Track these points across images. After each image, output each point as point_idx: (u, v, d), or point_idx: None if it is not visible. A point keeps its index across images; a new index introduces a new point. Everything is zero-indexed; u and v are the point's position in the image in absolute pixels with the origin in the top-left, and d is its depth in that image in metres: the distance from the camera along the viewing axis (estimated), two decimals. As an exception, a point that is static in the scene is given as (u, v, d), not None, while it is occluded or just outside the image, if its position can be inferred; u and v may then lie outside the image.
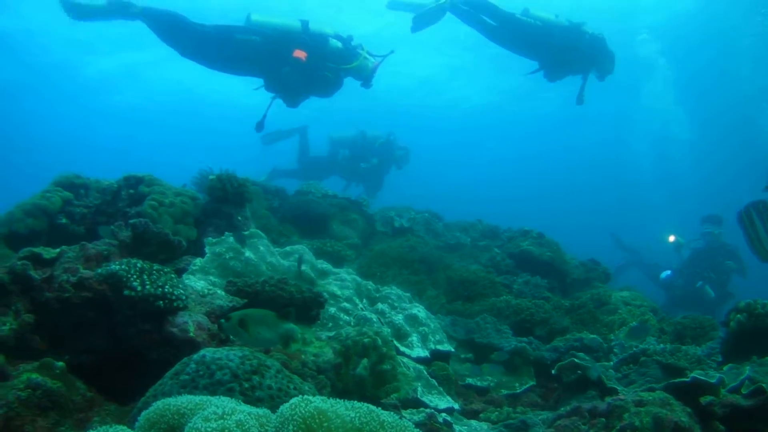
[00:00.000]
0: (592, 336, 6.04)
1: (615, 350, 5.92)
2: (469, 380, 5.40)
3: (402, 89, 28.07)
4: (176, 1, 10.12)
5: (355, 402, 2.34)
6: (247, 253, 5.33)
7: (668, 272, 13.86)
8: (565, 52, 10.96)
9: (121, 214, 6.01)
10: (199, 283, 4.88)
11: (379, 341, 4.14)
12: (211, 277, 5.07)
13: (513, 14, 10.81)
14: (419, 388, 4.49)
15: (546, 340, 6.15)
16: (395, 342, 5.12)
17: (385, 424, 2.26)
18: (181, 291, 4.11)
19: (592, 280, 8.97)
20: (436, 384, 4.78)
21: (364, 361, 4.02)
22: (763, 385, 4.17)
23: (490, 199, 37.79)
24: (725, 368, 5.01)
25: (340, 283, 5.47)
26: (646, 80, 26.96)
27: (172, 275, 4.26)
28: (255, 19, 9.34)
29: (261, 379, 2.98)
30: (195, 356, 3.03)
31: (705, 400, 4.16)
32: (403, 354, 5.05)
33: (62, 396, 3.25)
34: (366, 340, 4.10)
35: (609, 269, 9.56)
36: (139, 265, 4.11)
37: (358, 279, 5.73)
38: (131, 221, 4.83)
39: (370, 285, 5.84)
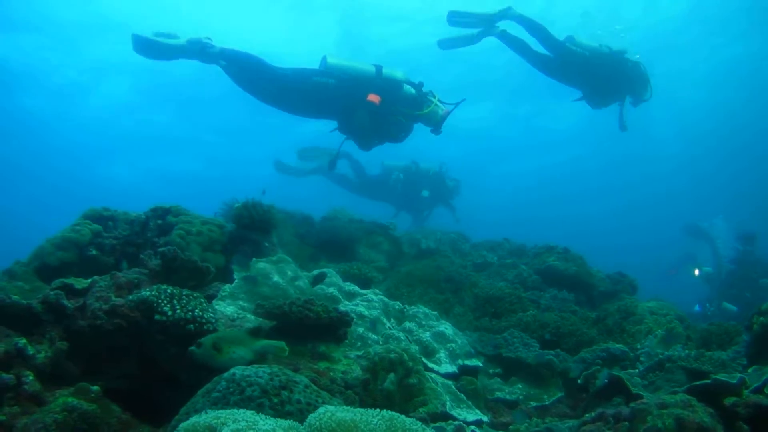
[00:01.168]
0: (618, 346, 6.09)
1: (641, 358, 5.97)
2: (498, 394, 5.48)
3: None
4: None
5: (382, 410, 2.45)
6: (275, 278, 5.46)
7: (696, 307, 13.76)
8: (611, 81, 11.14)
9: (149, 244, 6.15)
10: (229, 308, 5.02)
11: (406, 356, 4.23)
12: (240, 302, 5.19)
13: (564, 43, 11.07)
14: (448, 402, 4.57)
15: (573, 352, 6.21)
16: (423, 359, 5.21)
17: (408, 430, 2.35)
18: (211, 314, 4.26)
19: (619, 292, 9.00)
20: (464, 398, 4.86)
21: (391, 375, 4.11)
22: None
23: (515, 219, 37.59)
24: (750, 370, 5.05)
25: (367, 304, 5.56)
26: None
27: (202, 300, 4.41)
28: (331, 62, 9.52)
29: (290, 394, 3.07)
30: (225, 374, 3.13)
31: (729, 401, 4.20)
32: (431, 370, 5.13)
33: (97, 418, 3.38)
34: (392, 355, 4.18)
35: (635, 281, 9.59)
36: (169, 290, 4.27)
37: (386, 299, 5.82)
38: (160, 249, 4.97)
39: (397, 305, 5.94)
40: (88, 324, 4.22)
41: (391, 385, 4.10)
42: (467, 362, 5.48)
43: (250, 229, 6.29)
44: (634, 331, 6.96)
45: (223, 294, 5.23)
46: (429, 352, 5.36)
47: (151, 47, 9.26)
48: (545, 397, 5.48)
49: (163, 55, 9.39)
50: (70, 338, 4.18)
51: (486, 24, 11.00)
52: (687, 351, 5.90)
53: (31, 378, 3.69)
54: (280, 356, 4.04)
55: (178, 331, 4.08)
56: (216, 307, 4.94)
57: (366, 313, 5.40)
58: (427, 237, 10.01)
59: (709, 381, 4.29)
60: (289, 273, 5.59)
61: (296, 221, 9.23)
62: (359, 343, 5.05)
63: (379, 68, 9.58)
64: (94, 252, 6.15)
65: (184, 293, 4.34)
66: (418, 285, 7.41)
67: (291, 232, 8.74)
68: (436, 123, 9.83)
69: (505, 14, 11.04)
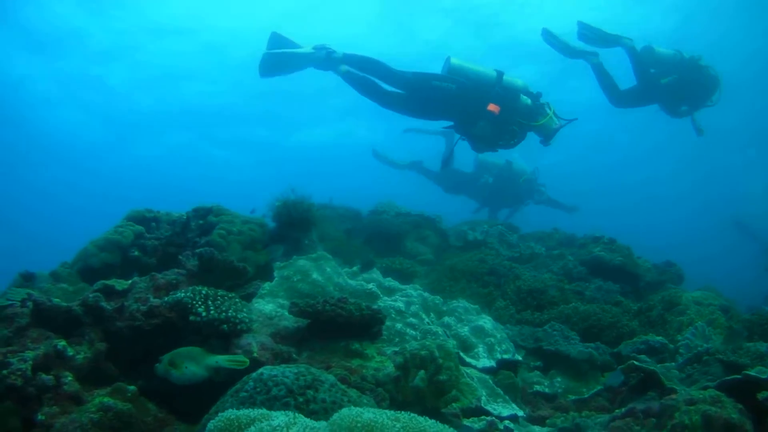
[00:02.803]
0: (657, 338, 6.09)
1: (681, 350, 5.95)
2: (537, 387, 5.52)
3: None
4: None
5: (399, 412, 2.52)
6: (315, 275, 5.54)
7: None
8: (689, 89, 11.19)
9: (191, 244, 6.28)
10: (268, 306, 5.10)
11: (437, 353, 4.28)
12: (279, 300, 5.27)
13: (651, 73, 11.20)
14: (483, 397, 4.64)
15: (614, 345, 6.22)
16: (461, 353, 5.28)
17: (427, 429, 2.43)
18: (245, 314, 4.37)
19: (666, 282, 8.96)
20: (501, 392, 4.91)
21: (421, 372, 4.17)
22: None
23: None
24: (788, 362, 5.04)
25: (406, 299, 5.61)
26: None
27: (237, 300, 4.52)
28: (454, 62, 9.60)
29: (315, 393, 3.14)
30: (253, 374, 3.23)
31: (763, 395, 4.20)
32: (468, 365, 5.20)
33: (132, 417, 3.49)
34: (423, 352, 4.25)
35: (682, 270, 9.53)
36: (204, 291, 4.39)
37: (425, 294, 5.88)
38: (197, 251, 5.08)
39: (437, 299, 6.00)
40: (126, 325, 4.35)
41: (421, 382, 4.17)
42: (506, 356, 5.52)
43: (290, 227, 6.38)
44: (676, 322, 6.94)
45: (263, 292, 5.33)
46: (467, 347, 5.42)
47: (279, 61, 9.63)
48: (584, 390, 5.50)
49: (288, 68, 9.73)
50: (109, 339, 4.31)
51: (600, 42, 11.27)
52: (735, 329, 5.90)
53: (70, 378, 3.81)
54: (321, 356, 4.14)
55: (213, 331, 4.20)
56: (255, 305, 5.06)
57: (404, 308, 5.45)
58: (474, 229, 10.03)
59: (739, 376, 4.30)
60: (328, 269, 5.67)
61: (344, 216, 9.33)
62: (397, 339, 5.12)
63: (500, 74, 9.62)
64: (136, 253, 6.29)
65: (219, 294, 4.45)
66: (461, 278, 7.45)
67: (338, 227, 8.86)
68: (547, 135, 9.84)
69: (618, 42, 11.27)
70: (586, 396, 5.42)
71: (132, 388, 3.73)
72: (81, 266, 6.18)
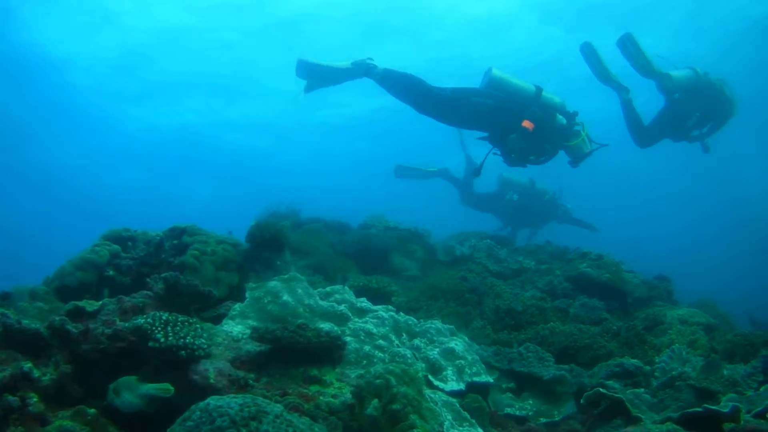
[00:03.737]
0: (632, 361, 6.05)
1: (656, 374, 5.91)
2: (508, 410, 5.49)
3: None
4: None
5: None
6: (285, 297, 5.54)
7: None
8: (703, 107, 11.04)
9: (165, 265, 6.30)
10: (237, 327, 5.15)
11: (393, 380, 4.27)
12: (249, 321, 5.30)
13: (675, 99, 11.08)
14: (447, 422, 4.62)
15: (590, 366, 6.19)
16: (430, 376, 5.27)
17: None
18: (203, 341, 4.39)
19: (654, 298, 8.93)
20: (468, 416, 4.87)
21: (375, 401, 4.15)
22: None
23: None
24: (762, 389, 5.00)
25: (377, 321, 5.62)
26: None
27: (197, 325, 4.55)
28: (496, 74, 9.72)
29: (258, 424, 3.15)
30: (201, 404, 3.24)
31: (728, 426, 4.19)
32: (436, 388, 5.18)
33: (89, 440, 3.56)
34: (378, 381, 4.22)
35: (671, 286, 9.50)
36: (164, 317, 4.41)
37: (397, 316, 5.87)
38: (162, 275, 5.10)
39: (411, 320, 5.99)
40: (91, 348, 4.42)
41: (375, 411, 4.15)
42: (476, 379, 5.48)
43: (263, 248, 6.40)
44: (656, 343, 6.89)
45: (234, 313, 5.36)
46: (436, 370, 5.39)
47: (315, 72, 9.71)
48: (555, 413, 5.48)
49: (324, 81, 9.79)
50: (75, 361, 4.39)
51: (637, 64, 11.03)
52: (711, 362, 5.85)
53: (35, 400, 3.90)
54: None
55: (171, 357, 4.23)
56: (224, 326, 5.12)
57: (374, 330, 5.44)
58: (462, 243, 10.03)
59: (700, 409, 4.28)
60: (300, 291, 5.67)
61: (333, 230, 9.34)
62: (365, 362, 5.10)
63: (539, 89, 9.72)
64: (111, 272, 6.33)
65: (179, 320, 4.47)
66: (441, 297, 7.42)
67: (325, 241, 8.86)
68: (577, 156, 10.00)
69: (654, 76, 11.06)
70: (557, 419, 5.40)
71: (92, 411, 3.87)
72: (58, 285, 6.23)
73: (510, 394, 5.74)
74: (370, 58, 9.71)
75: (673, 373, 5.69)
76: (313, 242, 8.58)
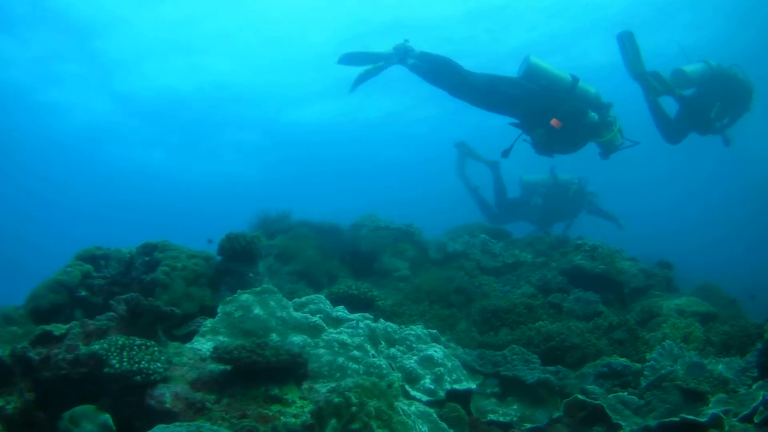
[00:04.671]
0: (620, 360, 5.85)
1: (645, 372, 5.69)
2: (491, 416, 5.30)
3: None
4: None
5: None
6: (256, 310, 5.40)
7: None
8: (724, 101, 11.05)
9: (137, 282, 6.19)
10: (207, 344, 5.02)
11: (353, 398, 4.12)
12: (220, 337, 5.17)
13: (689, 98, 11.13)
14: (421, 436, 4.47)
15: (578, 366, 6.00)
16: (407, 386, 5.12)
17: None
18: (159, 365, 4.27)
19: (651, 288, 8.70)
20: (446, 427, 4.73)
21: (333, 421, 4.00)
22: None
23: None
24: (754, 387, 4.79)
25: (351, 331, 5.47)
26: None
27: (155, 349, 4.42)
28: (533, 61, 9.87)
29: (203, 453, 3.05)
30: (149, 432, 3.07)
31: (712, 432, 4.03)
32: (413, 398, 5.03)
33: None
34: (336, 400, 4.06)
35: (671, 274, 9.29)
36: (120, 342, 4.31)
37: (373, 324, 5.73)
38: (123, 296, 4.97)
39: (391, 327, 5.86)
40: (52, 375, 4.30)
41: (332, 431, 4.01)
42: (456, 386, 5.32)
43: (235, 261, 6.26)
44: (648, 338, 6.66)
45: (204, 329, 5.24)
46: (413, 379, 5.24)
47: (354, 57, 10.37)
48: (541, 417, 5.30)
49: (364, 75, 10.25)
50: (38, 388, 4.30)
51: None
52: (694, 362, 5.62)
53: (0, 429, 3.94)
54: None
55: (128, 383, 4.13)
56: (195, 344, 5.00)
57: (349, 341, 5.30)
58: (455, 239, 9.84)
59: (677, 419, 4.13)
60: (272, 303, 5.52)
61: (322, 232, 9.17)
62: (338, 374, 4.99)
63: (575, 80, 9.84)
64: (83, 293, 6.22)
65: (136, 344, 4.37)
66: (425, 300, 7.22)
67: (313, 245, 8.70)
68: (607, 150, 10.19)
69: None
70: (543, 424, 5.22)
71: (51, 439, 3.77)
72: (32, 307, 6.17)
73: (494, 400, 5.56)
74: (407, 40, 10.11)
75: (662, 371, 5.49)
76: (300, 247, 8.42)
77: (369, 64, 10.26)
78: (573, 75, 9.86)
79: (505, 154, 10.37)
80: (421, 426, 4.59)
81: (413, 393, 5.10)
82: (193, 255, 6.28)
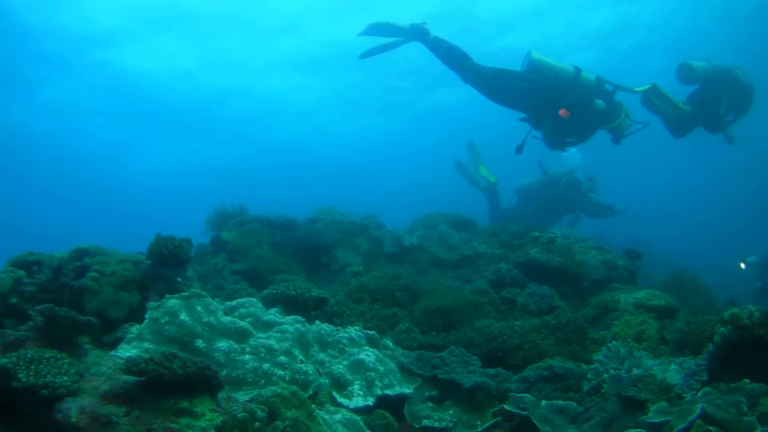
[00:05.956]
0: (561, 363, 5.65)
1: (588, 375, 5.48)
2: (426, 422, 5.11)
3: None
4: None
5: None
6: (182, 316, 5.22)
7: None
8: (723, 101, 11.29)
9: (66, 288, 6.03)
10: (131, 351, 4.85)
11: (259, 413, 3.97)
12: (145, 344, 5.01)
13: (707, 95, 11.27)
14: (345, 445, 4.33)
15: (521, 368, 5.79)
16: (334, 393, 4.97)
17: None
18: (66, 378, 4.13)
19: (613, 279, 8.51)
20: (372, 435, 4.59)
21: (237, 437, 3.86)
22: (712, 428, 3.82)
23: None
24: (700, 394, 4.62)
25: (279, 335, 5.32)
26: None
27: (65, 361, 4.29)
28: (535, 57, 10.11)
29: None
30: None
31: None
32: (340, 405, 4.87)
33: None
34: (240, 415, 3.93)
35: (637, 264, 9.15)
36: (29, 355, 4.20)
37: (303, 328, 5.54)
38: (37, 307, 4.86)
39: (325, 329, 5.69)
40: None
41: (235, 450, 3.86)
42: (388, 392, 5.16)
43: (163, 265, 6.10)
44: (599, 337, 6.45)
45: (130, 336, 5.08)
46: (341, 385, 5.08)
47: (381, 27, 10.59)
48: (479, 423, 5.10)
49: (382, 47, 10.69)
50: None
51: None
52: (651, 363, 5.40)
53: None
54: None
55: (35, 397, 4.03)
56: (119, 351, 4.85)
57: (276, 346, 5.16)
58: (411, 232, 9.67)
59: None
60: (199, 308, 5.35)
61: (277, 227, 8.97)
62: (263, 381, 4.85)
63: (578, 70, 10.06)
64: (14, 300, 6.06)
65: (45, 356, 4.25)
66: (368, 298, 6.99)
67: (267, 240, 8.51)
68: (617, 136, 10.39)
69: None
70: (479, 429, 5.04)
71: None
72: (-35, 318, 6.02)
73: (431, 404, 5.38)
74: (424, 23, 10.34)
75: (604, 376, 5.30)
76: (252, 243, 8.23)
77: (390, 37, 10.60)
78: (575, 66, 10.09)
79: (519, 150, 10.41)
80: (343, 436, 4.46)
81: (340, 400, 4.95)
82: (123, 259, 6.13)
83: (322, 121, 37.26)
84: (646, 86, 10.82)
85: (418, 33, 10.34)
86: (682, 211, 44.20)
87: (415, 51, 11.33)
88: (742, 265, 14.43)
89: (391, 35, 10.57)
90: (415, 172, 44.58)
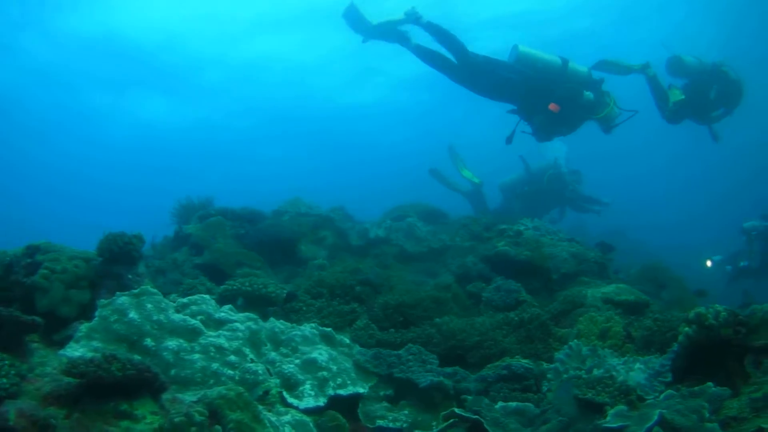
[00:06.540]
0: (522, 362, 5.53)
1: (549, 375, 5.38)
2: (380, 422, 4.99)
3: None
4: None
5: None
6: (131, 314, 5.10)
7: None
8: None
9: (18, 286, 5.90)
10: (78, 351, 4.74)
11: (197, 417, 3.86)
12: (94, 343, 4.89)
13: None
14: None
15: (480, 367, 5.67)
16: (285, 393, 4.86)
17: None
18: (5, 380, 4.09)
19: (583, 273, 8.39)
20: (322, 437, 4.48)
21: (170, 444, 3.76)
22: None
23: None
24: (662, 397, 4.51)
25: (230, 334, 5.21)
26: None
27: (4, 363, 4.22)
28: (522, 50, 10.21)
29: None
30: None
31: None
32: (290, 406, 4.76)
33: None
34: (177, 419, 3.83)
35: (608, 257, 9.06)
36: (-28, 357, 4.11)
37: (254, 326, 5.43)
38: (-23, 308, 4.76)
39: (279, 327, 5.58)
40: None
41: (171, 455, 3.75)
42: (340, 392, 5.04)
43: (114, 262, 5.99)
44: (562, 335, 6.33)
45: (79, 335, 4.95)
46: (291, 385, 4.96)
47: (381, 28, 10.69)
48: (434, 424, 4.99)
49: (375, 35, 10.83)
50: None
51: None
52: (604, 365, 5.29)
53: None
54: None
55: None
56: (67, 350, 4.74)
57: (226, 345, 5.04)
58: (378, 225, 9.54)
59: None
60: (149, 306, 5.23)
61: (242, 219, 8.82)
62: (212, 381, 4.74)
63: (565, 62, 10.14)
64: (-33, 297, 5.96)
65: None
66: (326, 294, 6.83)
67: (230, 233, 8.36)
68: (608, 126, 10.50)
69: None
70: (434, 431, 4.92)
71: None
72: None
73: (386, 404, 5.26)
74: (414, 7, 10.36)
75: (564, 376, 5.19)
76: (214, 236, 8.08)
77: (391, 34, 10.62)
78: (562, 57, 10.17)
79: (509, 140, 10.44)
80: (291, 438, 4.36)
81: (291, 400, 4.85)
82: (74, 256, 6.01)
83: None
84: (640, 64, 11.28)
85: (412, 20, 10.31)
86: (671, 202, 44.23)
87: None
88: (709, 263, 14.58)
89: (391, 31, 10.58)
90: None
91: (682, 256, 14.68)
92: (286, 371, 5.04)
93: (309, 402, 4.85)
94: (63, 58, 29.82)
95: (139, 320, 5.10)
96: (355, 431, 4.83)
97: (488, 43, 15.01)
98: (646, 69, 11.55)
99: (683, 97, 11.07)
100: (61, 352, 4.76)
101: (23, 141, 39.80)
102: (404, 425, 4.99)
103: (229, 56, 31.80)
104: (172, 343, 4.96)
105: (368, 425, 4.95)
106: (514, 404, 4.91)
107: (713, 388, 4.30)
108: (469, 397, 4.96)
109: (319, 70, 33.49)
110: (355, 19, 10.85)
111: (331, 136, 40.86)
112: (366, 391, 5.23)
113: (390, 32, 10.55)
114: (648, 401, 4.58)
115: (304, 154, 43.56)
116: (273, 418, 4.47)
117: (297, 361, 5.20)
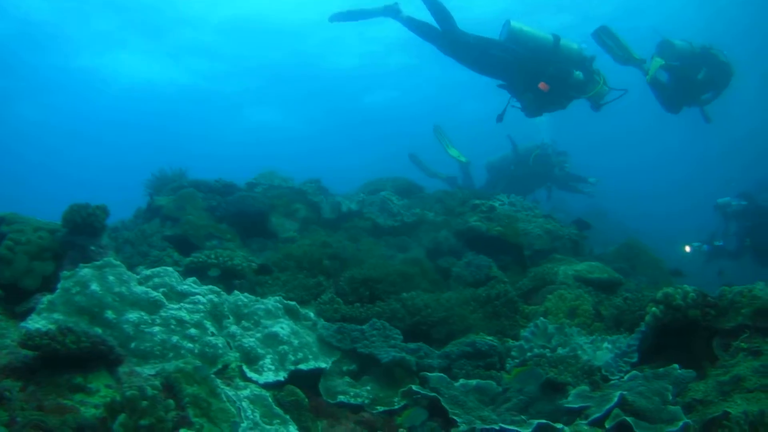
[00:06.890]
0: (487, 338, 5.51)
1: (513, 353, 5.35)
2: (341, 398, 4.96)
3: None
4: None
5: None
6: (93, 286, 5.06)
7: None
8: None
9: (-18, 256, 5.88)
10: (39, 323, 4.72)
11: (149, 391, 3.83)
12: (55, 315, 4.87)
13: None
14: (246, 422, 4.19)
15: (445, 343, 5.65)
16: (245, 367, 4.83)
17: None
18: None
19: (556, 250, 8.36)
20: (281, 412, 4.44)
21: (121, 417, 3.70)
22: (629, 419, 3.69)
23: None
24: (626, 378, 4.50)
25: (191, 306, 5.17)
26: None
27: None
28: (514, 26, 10.23)
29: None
30: None
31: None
32: (249, 380, 4.74)
33: None
34: (129, 393, 3.79)
35: (582, 235, 9.05)
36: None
37: (216, 299, 5.40)
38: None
39: (242, 300, 5.55)
40: None
41: (121, 428, 3.71)
42: (301, 366, 5.01)
43: (78, 234, 5.94)
44: (529, 312, 6.30)
45: (41, 306, 4.93)
46: (251, 359, 4.94)
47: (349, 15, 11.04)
48: (395, 400, 4.95)
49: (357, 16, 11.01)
50: None
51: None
52: (570, 343, 5.27)
53: None
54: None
55: None
56: (28, 323, 4.73)
57: (187, 318, 5.01)
58: (350, 198, 9.48)
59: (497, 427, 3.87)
60: (111, 278, 5.18)
61: (211, 193, 8.74)
62: (171, 354, 4.71)
63: (557, 39, 10.14)
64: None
65: None
66: (293, 267, 6.80)
67: (202, 205, 8.29)
68: (596, 104, 10.53)
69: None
70: (396, 407, 4.89)
71: None
72: None
73: (348, 379, 5.23)
74: (397, 3, 10.58)
75: (527, 354, 5.17)
76: (186, 208, 8.02)
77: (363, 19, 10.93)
78: (554, 34, 10.17)
79: (499, 118, 10.54)
80: (251, 412, 4.34)
81: (250, 374, 4.83)
82: (39, 227, 5.99)
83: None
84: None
85: (392, 13, 10.52)
86: (665, 193, 44.33)
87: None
88: (687, 248, 14.59)
89: (364, 18, 10.93)
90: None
91: (664, 240, 14.66)
92: (246, 345, 5.02)
93: (269, 376, 4.83)
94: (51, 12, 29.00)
95: (100, 292, 5.06)
96: (315, 407, 4.77)
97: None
98: (642, 65, 11.52)
99: (663, 61, 11.14)
100: (22, 324, 4.73)
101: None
102: (365, 401, 4.95)
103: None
104: (132, 315, 4.92)
105: (329, 400, 4.92)
106: (474, 382, 4.88)
107: (678, 371, 4.29)
108: (430, 374, 4.94)
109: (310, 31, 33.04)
110: (345, 17, 11.11)
111: (324, 101, 40.52)
112: (328, 366, 5.20)
113: (378, 11, 10.73)
114: (612, 382, 4.57)
115: (295, 122, 43.17)
116: (231, 393, 4.44)
117: (258, 335, 5.18)
